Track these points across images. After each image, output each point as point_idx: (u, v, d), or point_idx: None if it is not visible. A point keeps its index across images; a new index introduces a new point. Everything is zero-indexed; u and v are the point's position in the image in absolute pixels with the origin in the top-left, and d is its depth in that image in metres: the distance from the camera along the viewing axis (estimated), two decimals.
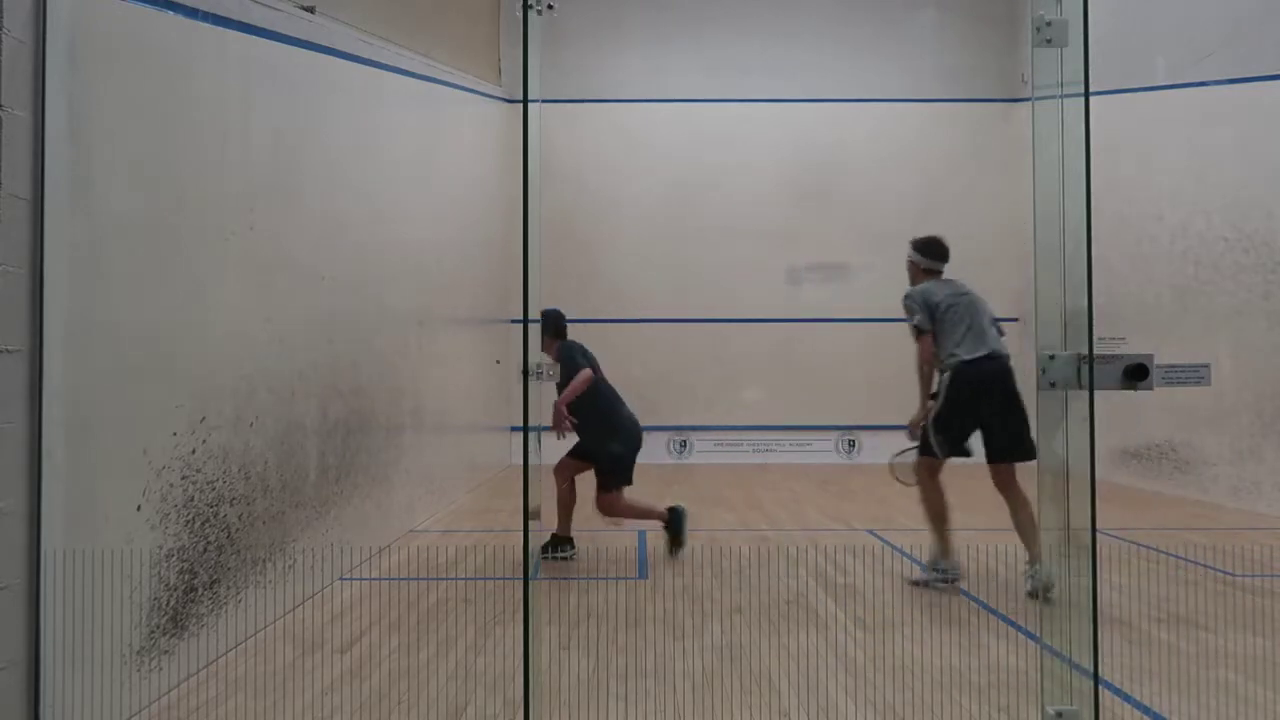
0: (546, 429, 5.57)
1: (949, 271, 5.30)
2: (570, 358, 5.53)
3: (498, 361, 9.64)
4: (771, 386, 10.87)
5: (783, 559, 5.65)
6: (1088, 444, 2.21)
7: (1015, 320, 11.01)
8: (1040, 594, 3.94)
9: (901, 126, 11.23)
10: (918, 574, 5.00)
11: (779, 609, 4.55)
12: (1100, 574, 2.26)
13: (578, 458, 5.69)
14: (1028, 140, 2.34)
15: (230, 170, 4.11)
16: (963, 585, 4.87)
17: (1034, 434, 4.41)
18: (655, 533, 5.75)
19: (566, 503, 5.68)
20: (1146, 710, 3.27)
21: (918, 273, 5.16)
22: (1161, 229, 8.46)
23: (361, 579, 5.28)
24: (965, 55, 11.20)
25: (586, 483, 5.66)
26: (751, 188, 11.10)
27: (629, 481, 5.67)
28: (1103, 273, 3.28)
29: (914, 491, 5.10)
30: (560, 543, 5.64)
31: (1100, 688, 2.27)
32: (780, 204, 11.08)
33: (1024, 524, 4.69)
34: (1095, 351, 2.18)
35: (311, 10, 5.17)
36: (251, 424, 4.16)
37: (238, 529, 4.00)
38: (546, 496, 5.27)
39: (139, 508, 3.33)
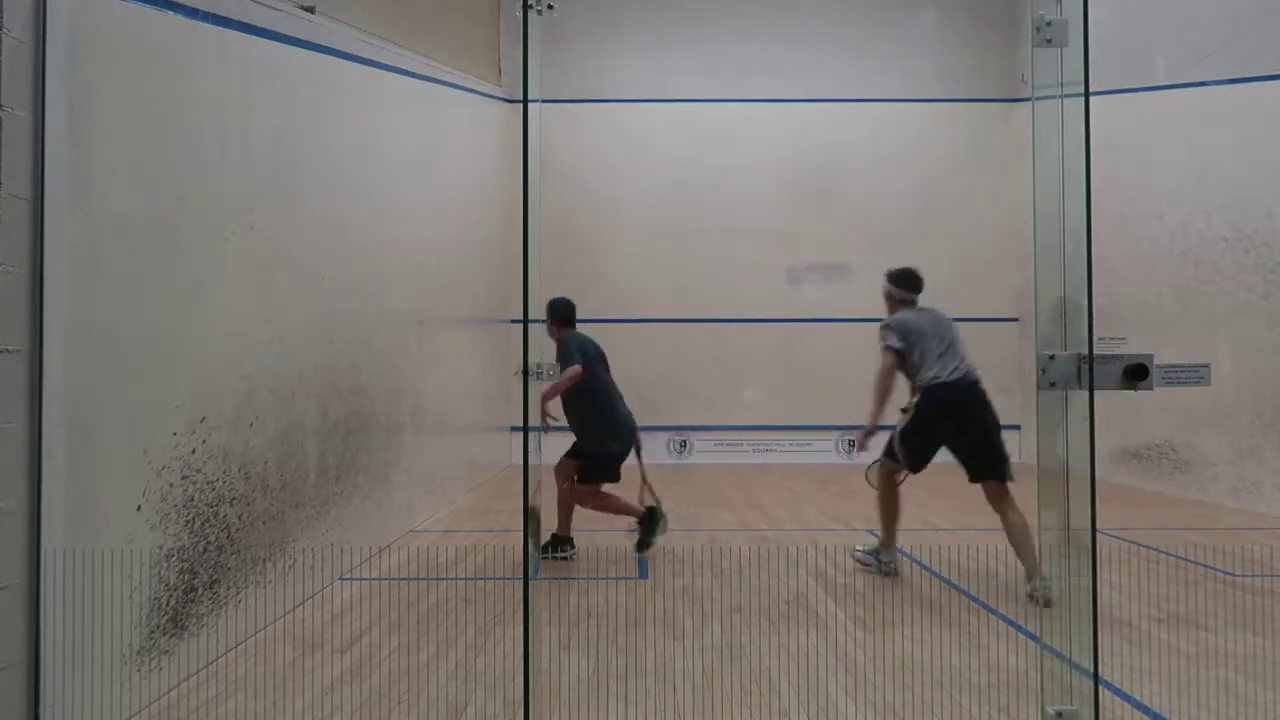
0: (549, 428, 5.57)
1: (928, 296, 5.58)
2: (565, 352, 5.53)
3: (516, 373, 9.66)
4: (771, 386, 10.87)
5: (783, 559, 5.65)
6: (1088, 444, 2.21)
7: (1015, 320, 11.06)
8: (1042, 601, 4.15)
9: (901, 126, 11.23)
10: (859, 552, 5.39)
11: (779, 609, 4.55)
12: (1100, 574, 2.26)
13: (575, 456, 5.69)
14: (1028, 140, 2.34)
15: (230, 170, 4.11)
16: (955, 579, 4.89)
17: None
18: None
19: (567, 503, 5.68)
20: (1146, 710, 3.27)
21: (894, 303, 5.41)
22: (1161, 229, 8.46)
23: (361, 579, 5.28)
24: (965, 55, 11.20)
25: None
26: (751, 188, 11.10)
27: (613, 479, 5.66)
28: (1103, 273, 3.28)
29: (916, 492, 5.26)
30: (560, 543, 5.64)
31: (1100, 688, 2.27)
32: (780, 204, 11.08)
33: (1016, 541, 4.77)
34: (1095, 351, 2.18)
35: (311, 10, 5.17)
36: (251, 424, 4.16)
37: (238, 529, 4.00)
38: (547, 497, 5.27)
39: (139, 508, 3.33)
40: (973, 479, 4.99)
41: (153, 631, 3.38)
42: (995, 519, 4.94)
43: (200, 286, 3.82)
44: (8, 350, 2.72)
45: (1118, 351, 2.16)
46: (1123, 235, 8.62)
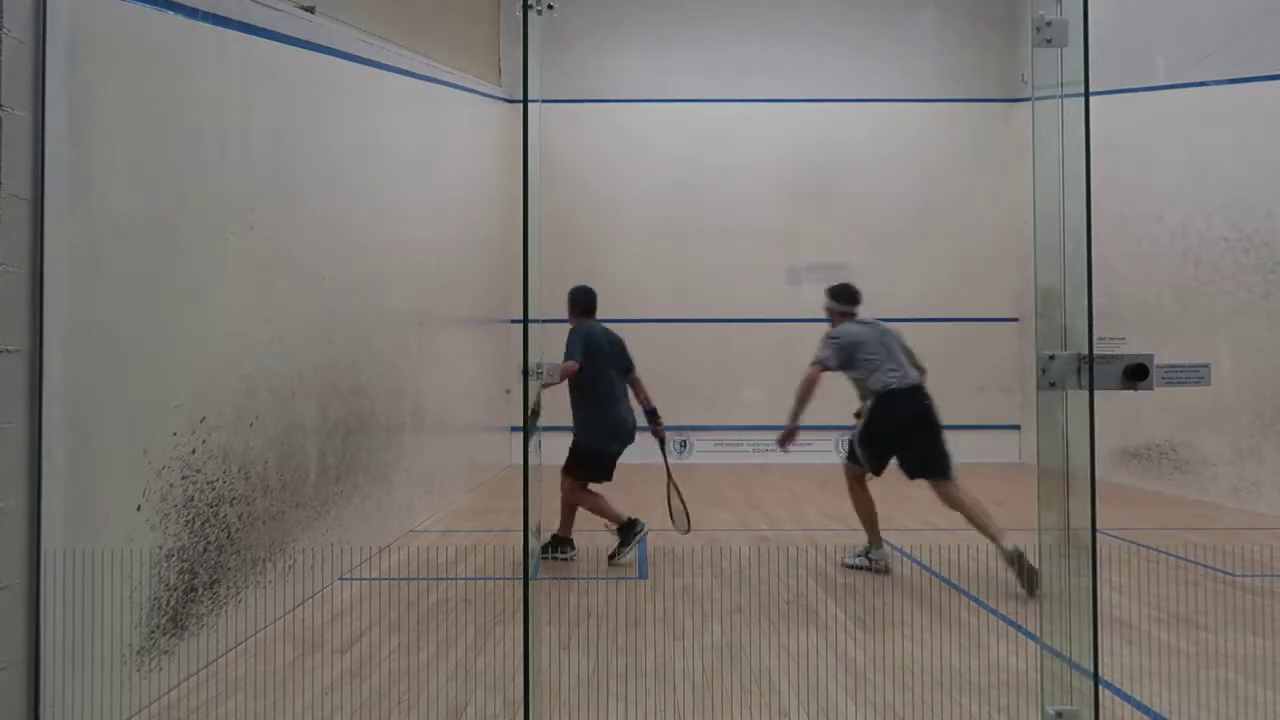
0: (547, 429, 5.56)
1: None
2: (568, 345, 5.53)
3: (508, 391, 9.68)
4: (771, 386, 10.81)
5: (783, 559, 5.65)
6: (1088, 444, 2.21)
7: (1015, 320, 11.06)
8: (1020, 565, 4.68)
9: (901, 126, 11.22)
10: (848, 560, 5.47)
11: (779, 609, 4.55)
12: (1100, 574, 2.26)
13: (570, 451, 5.68)
14: (1028, 140, 2.34)
15: (230, 170, 4.11)
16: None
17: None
18: (655, 533, 5.75)
19: (570, 504, 5.67)
20: (1146, 710, 3.27)
21: (836, 316, 5.70)
22: (1161, 229, 8.46)
23: (361, 579, 5.28)
24: (965, 55, 11.20)
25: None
26: (751, 188, 11.10)
27: (602, 478, 5.62)
28: (1103, 273, 3.28)
29: (916, 493, 5.35)
30: (561, 543, 5.63)
31: (1100, 688, 2.27)
32: (780, 204, 11.07)
33: (979, 523, 5.02)
34: (1095, 351, 2.18)
35: (311, 10, 5.17)
36: (251, 424, 4.16)
37: (238, 529, 4.00)
38: (547, 497, 5.26)
39: (139, 508, 3.33)
40: (914, 476, 5.27)
41: (153, 631, 3.38)
42: (996, 519, 4.94)
43: (200, 286, 3.82)
44: (8, 350, 2.72)
45: (1118, 351, 2.16)
46: (1123, 235, 8.62)
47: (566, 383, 5.53)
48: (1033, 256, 2.32)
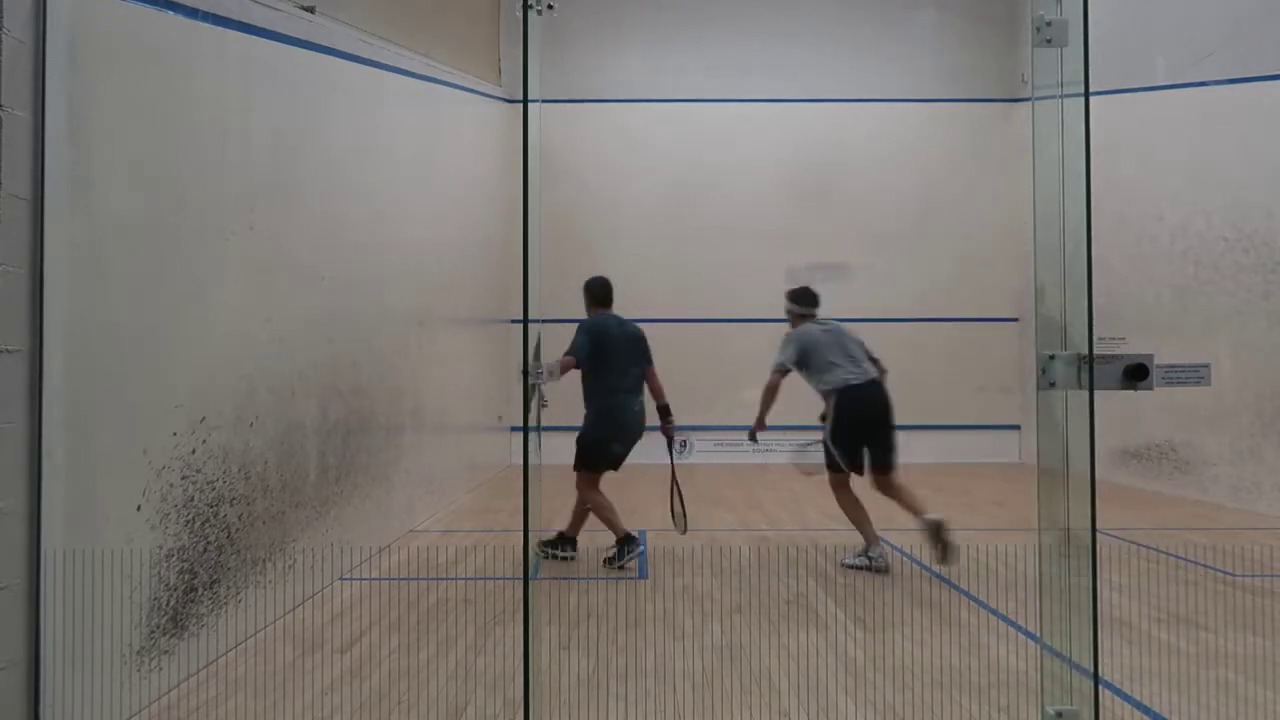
0: (548, 429, 5.54)
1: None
2: (575, 337, 5.52)
3: (499, 418, 9.66)
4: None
5: (783, 559, 5.65)
6: (1088, 444, 2.21)
7: (1015, 320, 11.06)
8: (936, 535, 5.02)
9: (901, 126, 11.22)
10: (847, 561, 5.49)
11: (779, 609, 4.55)
12: (1100, 574, 2.26)
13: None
14: (1028, 140, 2.34)
15: (230, 170, 4.11)
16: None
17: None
18: (655, 533, 5.75)
19: (583, 504, 5.64)
20: (1146, 710, 3.27)
21: (795, 318, 5.90)
22: (1161, 229, 8.46)
23: (361, 579, 5.28)
24: (965, 55, 11.19)
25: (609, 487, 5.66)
26: (751, 188, 11.09)
27: (604, 468, 5.55)
28: (1103, 273, 3.28)
29: (919, 492, 5.39)
30: (564, 542, 5.62)
31: (1100, 688, 2.27)
32: (780, 204, 11.07)
33: (914, 507, 5.33)
34: (1095, 351, 2.18)
35: (311, 10, 5.17)
36: (251, 424, 4.16)
37: (238, 529, 4.00)
38: (547, 496, 5.26)
39: (139, 508, 3.33)
40: (872, 470, 5.53)
41: (153, 631, 3.38)
42: (996, 519, 4.96)
43: (200, 286, 3.82)
44: (8, 350, 2.72)
45: (1118, 351, 2.16)
46: (1123, 235, 8.62)
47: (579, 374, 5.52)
48: (1033, 256, 2.32)
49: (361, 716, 3.25)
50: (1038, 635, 2.41)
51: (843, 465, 5.52)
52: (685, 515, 5.69)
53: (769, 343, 11.92)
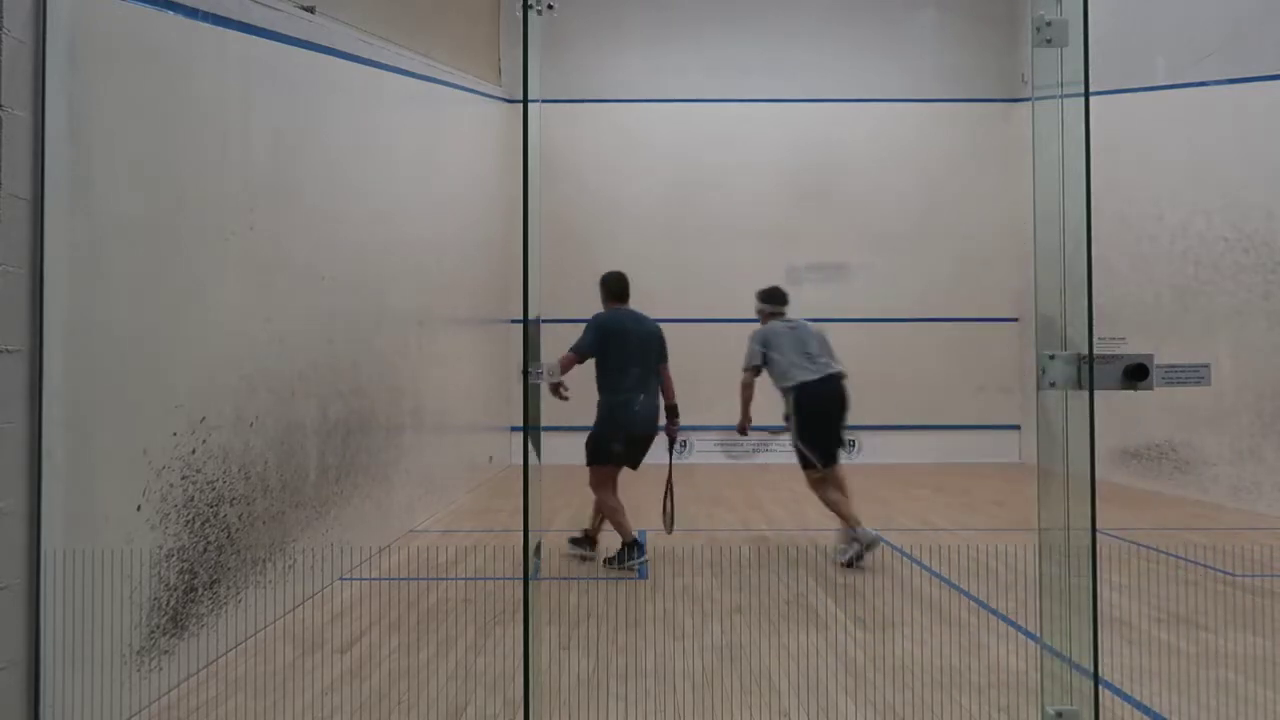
0: (548, 429, 5.54)
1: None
2: (583, 333, 5.52)
3: (490, 459, 9.61)
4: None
5: (783, 559, 5.65)
6: (1088, 444, 2.21)
7: (1015, 320, 11.06)
8: (856, 559, 5.35)
9: (901, 126, 11.22)
10: (840, 554, 5.53)
11: (779, 609, 4.55)
12: (1100, 574, 2.26)
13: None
14: (1028, 140, 2.34)
15: (230, 170, 4.11)
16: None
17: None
18: (655, 532, 5.75)
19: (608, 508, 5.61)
20: (1146, 710, 3.27)
21: (764, 316, 6.15)
22: (1161, 229, 8.46)
23: (361, 579, 5.28)
24: (965, 55, 11.20)
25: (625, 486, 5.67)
26: (751, 188, 11.10)
27: (610, 462, 5.52)
28: (1103, 273, 3.28)
29: (917, 492, 5.31)
30: (586, 541, 5.62)
31: (1100, 688, 2.27)
32: (780, 204, 11.07)
33: (844, 495, 5.66)
34: (1095, 351, 2.18)
35: (311, 10, 5.17)
36: (251, 424, 4.16)
37: (238, 529, 4.00)
38: (547, 496, 5.26)
39: (139, 508, 3.33)
40: (823, 464, 5.74)
41: (153, 631, 3.38)
42: (996, 519, 4.95)
43: (200, 286, 3.82)
44: (8, 350, 2.72)
45: (1118, 351, 2.16)
46: (1123, 235, 8.62)
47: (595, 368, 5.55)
48: (1033, 256, 2.32)
49: (361, 716, 3.25)
50: (1038, 635, 2.41)
51: (815, 461, 5.67)
52: (673, 517, 5.67)
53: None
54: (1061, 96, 2.27)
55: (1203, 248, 8.04)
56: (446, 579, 5.23)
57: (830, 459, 5.69)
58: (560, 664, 3.72)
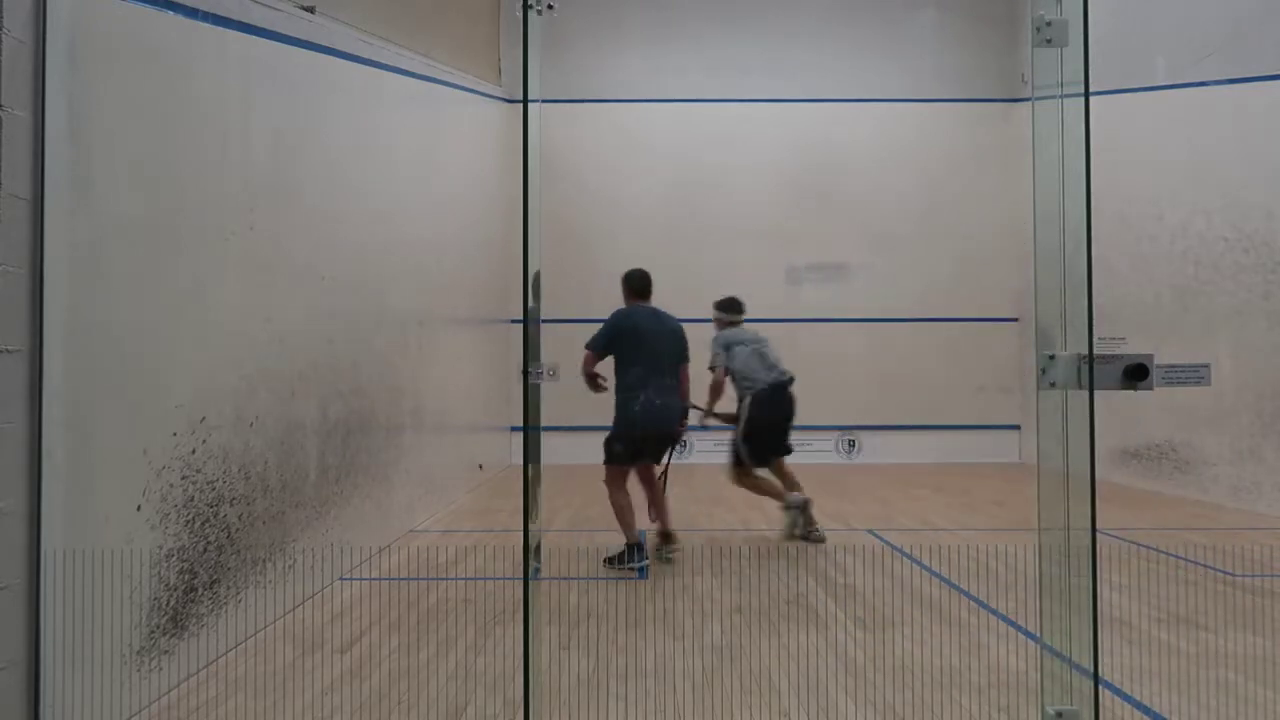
0: (548, 429, 5.53)
1: None
2: (599, 331, 5.53)
3: (480, 466, 9.52)
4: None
5: (783, 559, 5.65)
6: (1088, 444, 2.21)
7: (1015, 320, 11.06)
8: (798, 529, 6.09)
9: (901, 126, 11.22)
10: (789, 530, 6.16)
11: (779, 609, 4.55)
12: (1100, 574, 2.26)
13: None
14: (1028, 140, 2.34)
15: (230, 170, 4.11)
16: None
17: None
18: (655, 532, 5.75)
19: (658, 501, 5.64)
20: (1146, 710, 3.27)
21: (721, 324, 6.55)
22: (1161, 229, 8.46)
23: (361, 579, 5.28)
24: (965, 55, 11.20)
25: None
26: (751, 188, 11.10)
27: (626, 460, 5.51)
28: (1103, 273, 3.28)
29: (917, 492, 5.36)
30: (666, 537, 5.61)
31: (1100, 688, 2.27)
32: (780, 204, 11.08)
33: (788, 484, 6.25)
34: (1095, 351, 2.18)
35: (311, 10, 5.17)
36: (251, 424, 4.16)
37: (238, 529, 4.00)
38: (547, 496, 5.26)
39: (139, 508, 3.33)
40: (776, 456, 6.26)
41: (153, 631, 3.38)
42: (996, 519, 4.96)
43: (200, 286, 3.82)
44: (8, 350, 2.72)
45: (1118, 351, 2.16)
46: (1123, 235, 8.62)
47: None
48: (1033, 256, 2.32)
49: (361, 716, 3.25)
50: (1038, 635, 2.42)
51: (748, 460, 6.12)
52: (657, 512, 5.70)
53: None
54: (1061, 96, 2.27)
55: (1203, 248, 8.03)
56: (446, 579, 5.23)
57: (764, 461, 6.16)
58: (560, 664, 3.72)
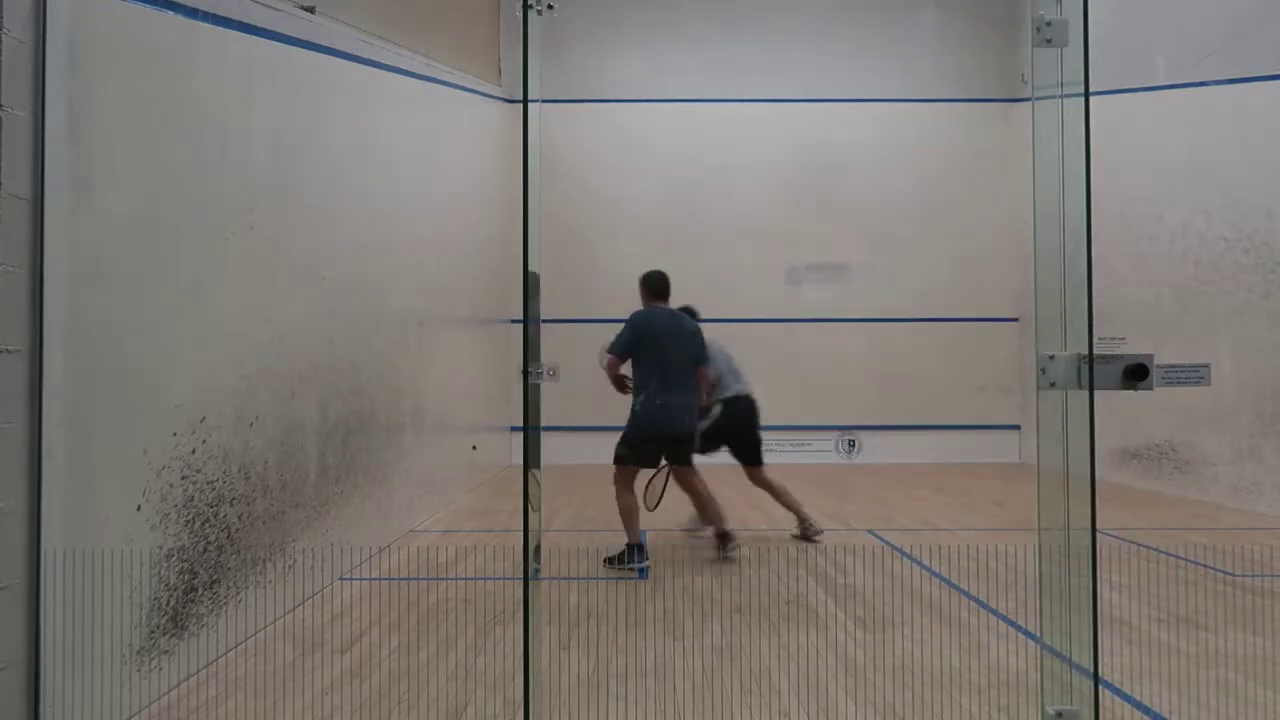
0: (549, 429, 5.52)
1: None
2: (619, 333, 5.52)
3: (474, 447, 9.48)
4: (771, 386, 10.86)
5: (783, 559, 5.65)
6: (1088, 444, 2.21)
7: (1015, 320, 11.07)
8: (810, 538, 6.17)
9: (901, 126, 11.23)
10: (688, 525, 6.33)
11: (779, 609, 4.55)
12: (1100, 574, 2.26)
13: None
14: (1028, 140, 2.34)
15: (230, 170, 4.11)
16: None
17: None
18: (655, 531, 5.75)
19: (704, 499, 5.65)
20: (1146, 710, 3.27)
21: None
22: (1161, 229, 8.46)
23: (361, 579, 5.28)
24: (965, 55, 11.20)
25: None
26: (751, 188, 11.10)
27: (635, 461, 5.52)
28: (1103, 273, 3.28)
29: (917, 492, 5.33)
30: (723, 539, 5.60)
31: (1100, 688, 2.27)
32: (780, 204, 11.08)
33: (788, 502, 6.31)
34: (1095, 351, 2.18)
35: (311, 10, 5.17)
36: (251, 424, 4.16)
37: (238, 529, 4.00)
38: (547, 497, 5.26)
39: (139, 508, 3.33)
40: (748, 464, 6.39)
41: (153, 631, 3.38)
42: (996, 519, 4.95)
43: (200, 286, 3.82)
44: (8, 350, 2.72)
45: (1118, 351, 2.16)
46: (1123, 235, 8.62)
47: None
48: (1033, 256, 2.32)
49: (361, 716, 3.25)
50: (1038, 635, 2.42)
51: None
52: (660, 497, 5.74)
53: (769, 343, 11.97)
54: (1061, 96, 2.27)
55: (1203, 248, 8.04)
56: (446, 579, 5.23)
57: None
58: (560, 664, 3.72)
